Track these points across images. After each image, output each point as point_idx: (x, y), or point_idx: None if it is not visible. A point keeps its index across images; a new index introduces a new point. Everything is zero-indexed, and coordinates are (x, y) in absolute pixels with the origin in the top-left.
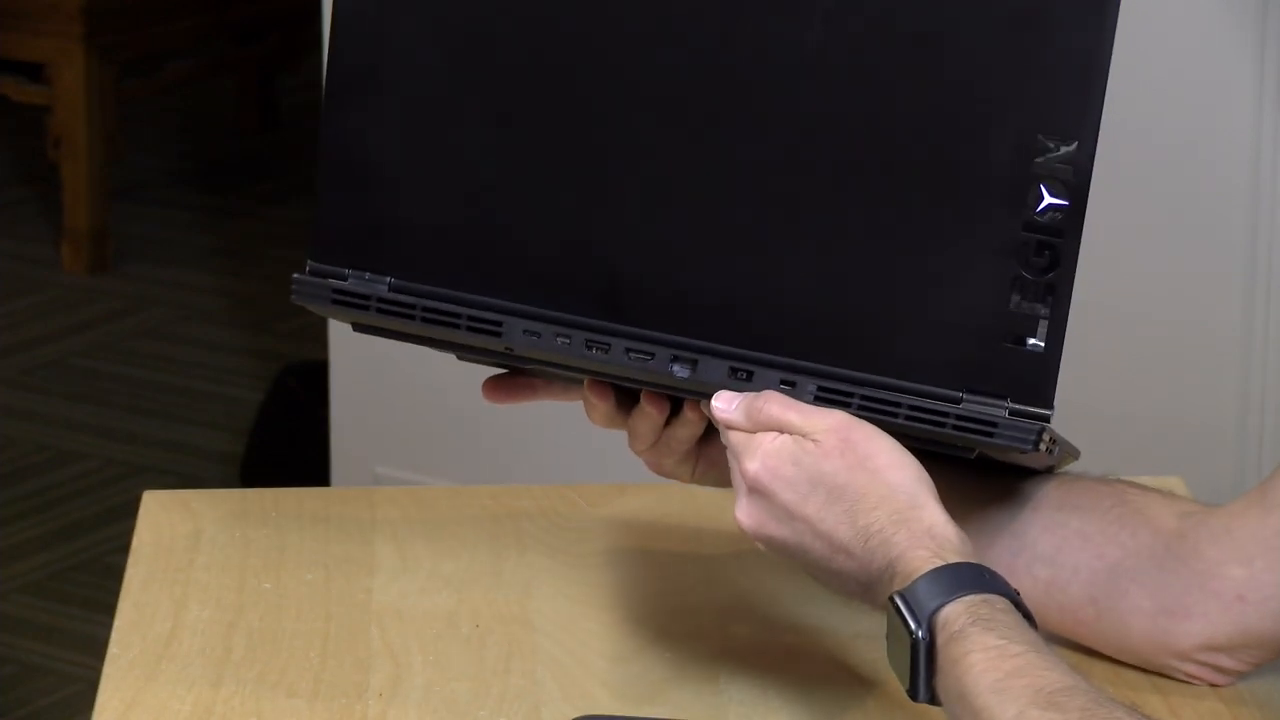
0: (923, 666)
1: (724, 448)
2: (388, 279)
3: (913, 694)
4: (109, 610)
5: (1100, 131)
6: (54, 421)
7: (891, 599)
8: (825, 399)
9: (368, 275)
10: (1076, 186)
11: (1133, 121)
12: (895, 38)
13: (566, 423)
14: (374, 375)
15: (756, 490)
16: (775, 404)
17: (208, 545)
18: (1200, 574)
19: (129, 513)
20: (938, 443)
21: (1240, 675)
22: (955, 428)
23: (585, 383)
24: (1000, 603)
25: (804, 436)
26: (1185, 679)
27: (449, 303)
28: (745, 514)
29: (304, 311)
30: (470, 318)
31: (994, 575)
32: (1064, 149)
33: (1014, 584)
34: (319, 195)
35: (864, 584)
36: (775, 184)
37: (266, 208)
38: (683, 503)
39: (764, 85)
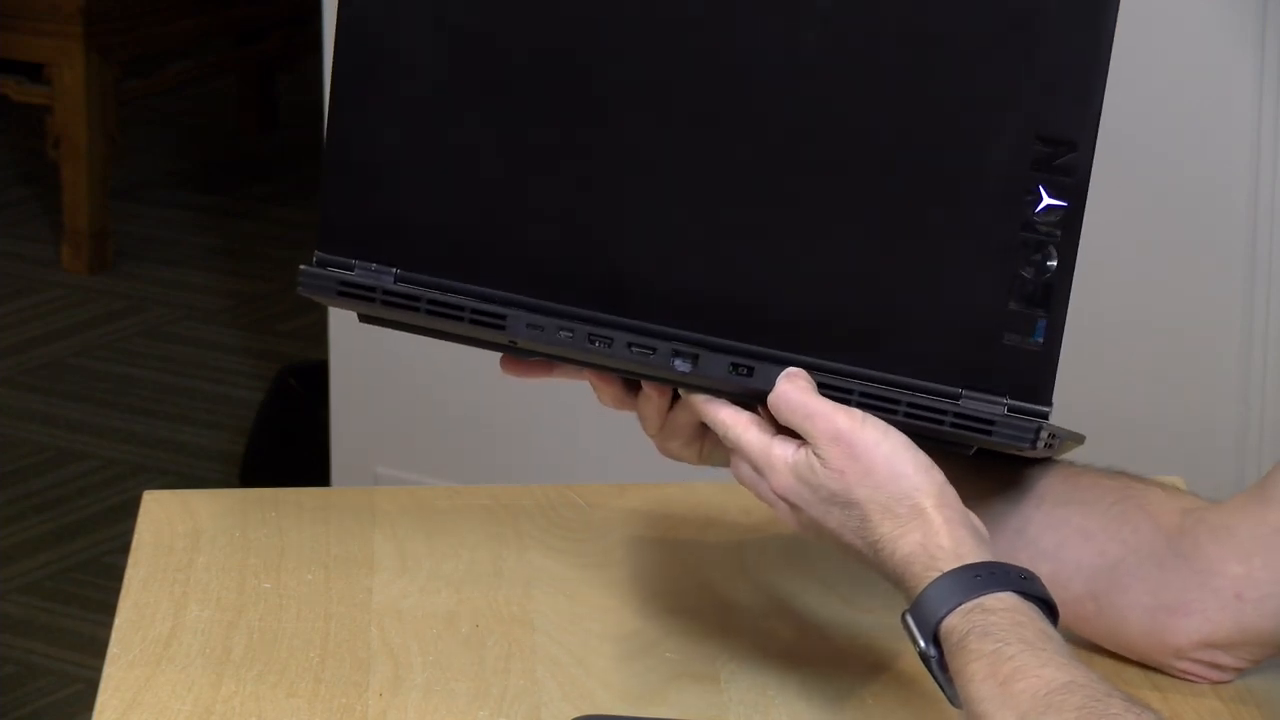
0: (940, 678)
1: None
2: (394, 270)
3: (951, 701)
4: (109, 610)
5: (1100, 133)
6: (54, 421)
7: (903, 617)
8: (826, 396)
9: (374, 266)
10: (1075, 188)
11: (1133, 121)
12: (895, 37)
13: (566, 423)
14: (374, 375)
15: (786, 502)
16: (785, 401)
17: (208, 545)
18: (1200, 572)
19: (129, 513)
20: (937, 440)
21: (1239, 673)
22: (953, 425)
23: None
24: (999, 600)
25: (811, 449)
26: (1182, 676)
27: (454, 294)
28: (788, 520)
29: (304, 311)
30: (474, 310)
31: (992, 572)
32: (1063, 151)
33: None
34: (324, 186)
35: (888, 582)
36: (776, 181)
37: (266, 208)
38: (682, 503)
39: (763, 84)
